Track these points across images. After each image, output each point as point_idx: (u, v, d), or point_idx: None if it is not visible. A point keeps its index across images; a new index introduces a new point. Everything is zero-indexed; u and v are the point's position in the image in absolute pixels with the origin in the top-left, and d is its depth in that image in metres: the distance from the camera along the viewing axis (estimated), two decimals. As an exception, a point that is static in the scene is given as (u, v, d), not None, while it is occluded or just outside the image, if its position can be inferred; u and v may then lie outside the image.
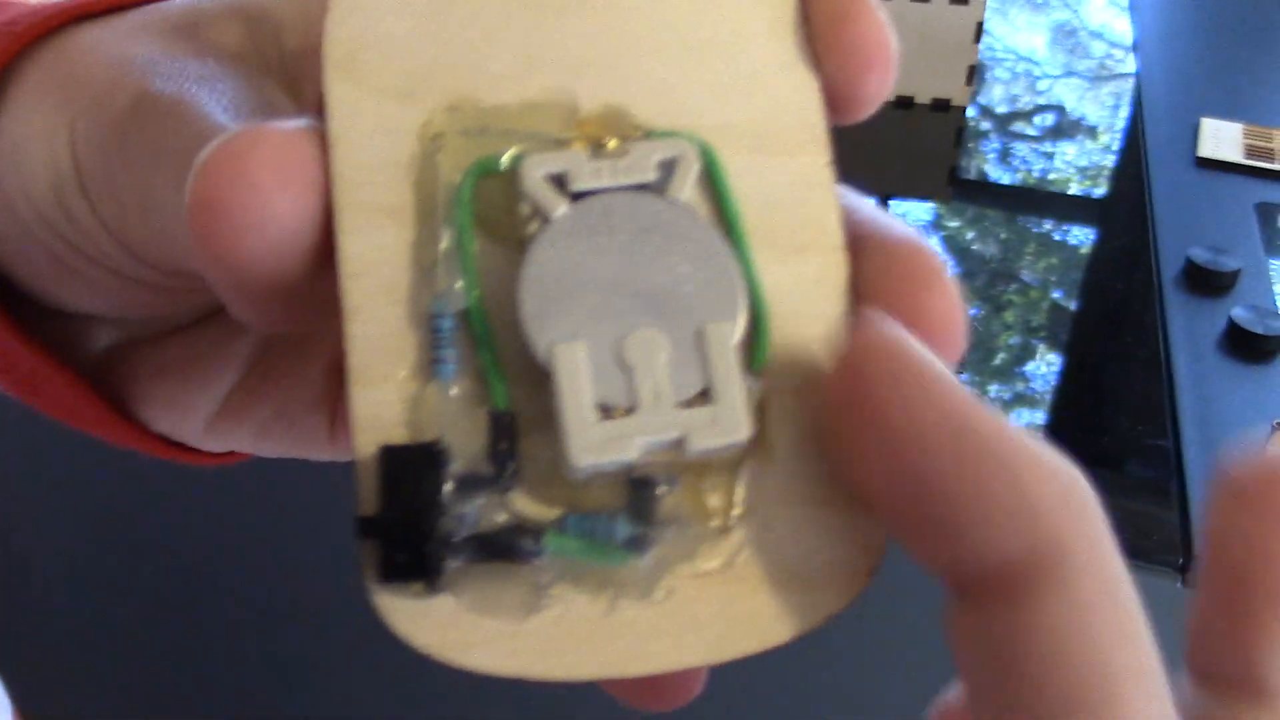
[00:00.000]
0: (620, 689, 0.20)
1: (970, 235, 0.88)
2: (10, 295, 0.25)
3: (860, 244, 0.19)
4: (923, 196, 0.93)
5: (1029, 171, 0.95)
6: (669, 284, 0.18)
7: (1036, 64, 1.09)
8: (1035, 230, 0.89)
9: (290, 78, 0.23)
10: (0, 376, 0.26)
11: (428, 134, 0.18)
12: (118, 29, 0.23)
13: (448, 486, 0.17)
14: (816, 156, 0.19)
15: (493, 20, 0.19)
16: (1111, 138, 1.00)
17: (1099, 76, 1.08)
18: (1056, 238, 0.88)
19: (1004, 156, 0.97)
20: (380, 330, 0.17)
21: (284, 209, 0.17)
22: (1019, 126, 1.01)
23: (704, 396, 0.17)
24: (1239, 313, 0.75)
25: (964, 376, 0.72)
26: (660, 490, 0.17)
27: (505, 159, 0.18)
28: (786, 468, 0.18)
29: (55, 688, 0.97)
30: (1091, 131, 1.01)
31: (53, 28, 0.24)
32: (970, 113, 1.00)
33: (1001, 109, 1.02)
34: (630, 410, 0.17)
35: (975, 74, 0.97)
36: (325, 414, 0.27)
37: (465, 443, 0.17)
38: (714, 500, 0.17)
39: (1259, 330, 0.74)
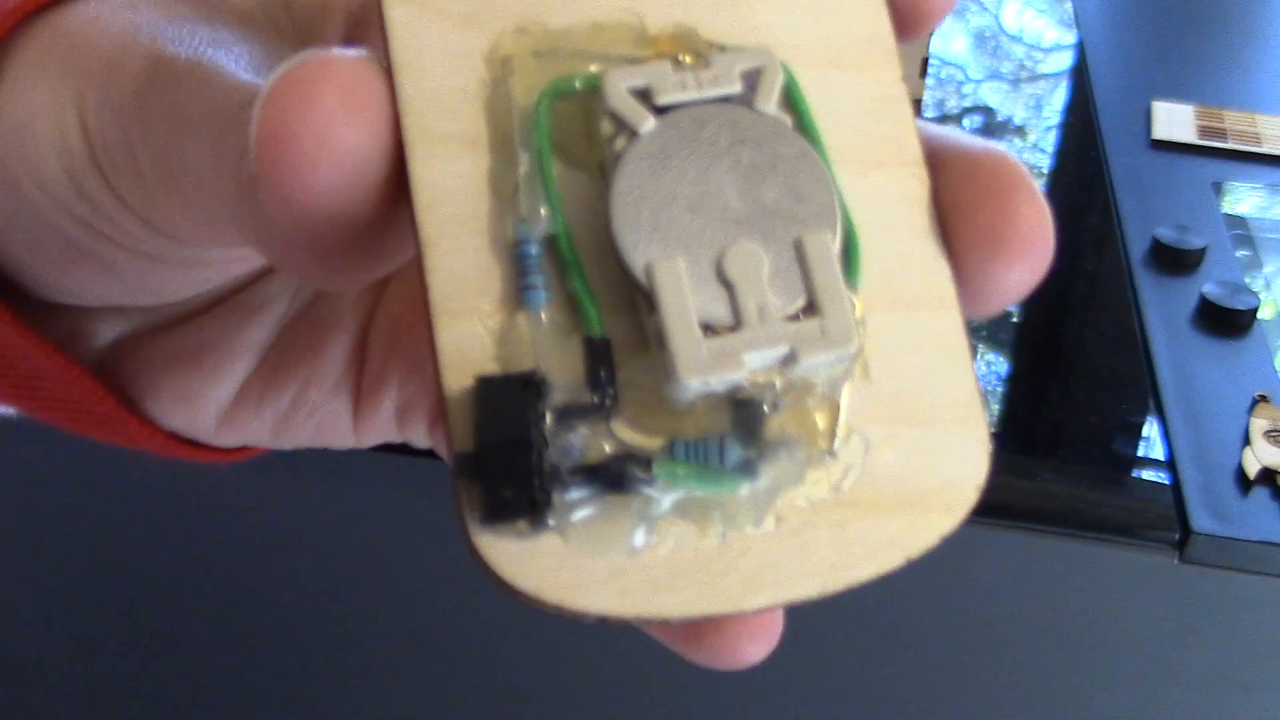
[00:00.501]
0: (702, 641, 0.19)
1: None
2: (6, 290, 0.24)
3: (939, 158, 0.19)
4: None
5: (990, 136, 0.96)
6: (764, 196, 0.17)
7: (960, 68, 1.10)
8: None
9: (302, 36, 0.22)
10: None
11: (496, 57, 0.18)
12: (111, 9, 0.22)
13: (547, 418, 0.16)
14: (890, 72, 0.19)
15: None
16: (1039, 135, 1.01)
17: (1019, 79, 1.09)
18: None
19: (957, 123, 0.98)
20: (461, 262, 0.17)
21: (356, 137, 0.16)
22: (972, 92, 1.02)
23: (809, 310, 0.17)
24: (1210, 289, 0.76)
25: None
26: (767, 409, 0.17)
27: (580, 80, 0.18)
28: (886, 388, 0.17)
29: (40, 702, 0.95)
30: (1020, 131, 1.02)
31: (45, 3, 0.22)
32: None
33: (929, 114, 1.03)
34: (735, 327, 0.17)
35: (920, 108, 0.97)
36: (348, 398, 0.26)
37: (562, 372, 0.17)
38: (820, 422, 0.17)
39: (1231, 305, 0.75)
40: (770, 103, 0.18)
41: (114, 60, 0.21)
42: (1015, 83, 1.07)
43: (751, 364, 0.16)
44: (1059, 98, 1.05)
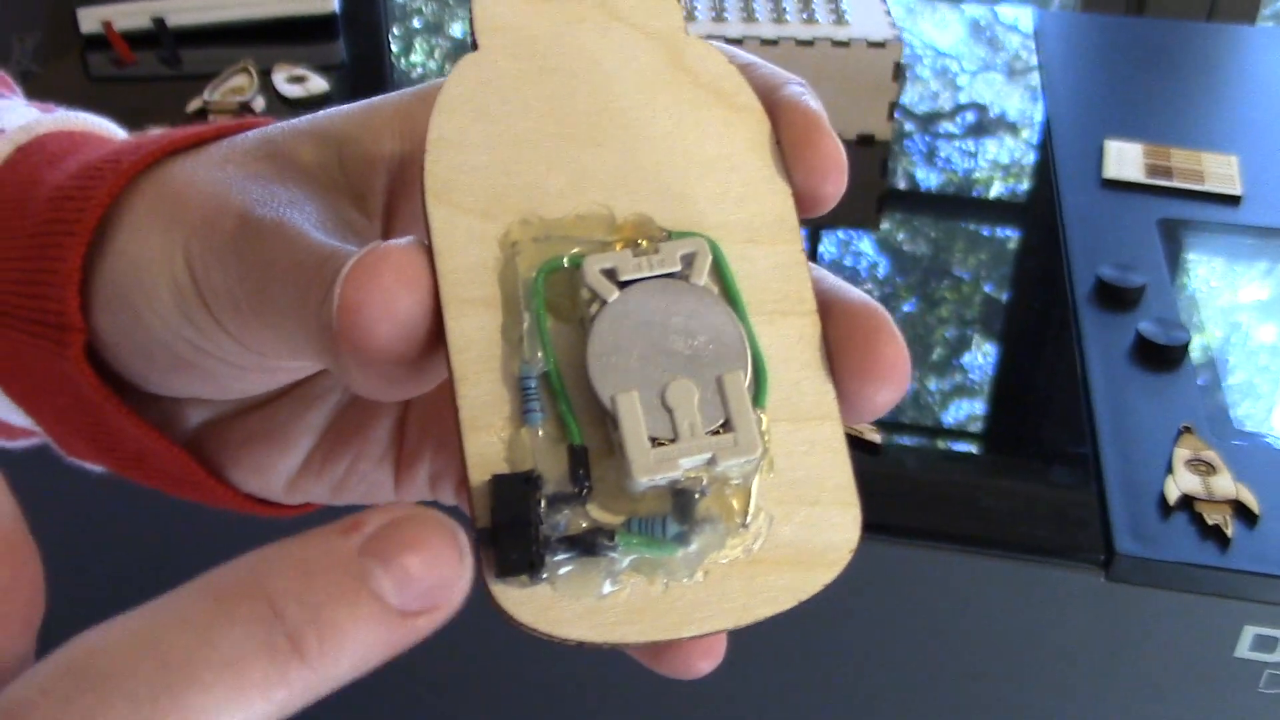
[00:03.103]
0: (656, 657, 0.25)
1: (891, 251, 0.94)
2: (118, 386, 0.30)
3: (828, 307, 0.25)
4: (853, 226, 1.00)
5: (954, 173, 1.02)
6: (695, 346, 0.23)
7: (930, 105, 1.16)
8: (949, 256, 0.95)
9: (356, 192, 0.28)
10: (103, 456, 0.31)
11: (507, 242, 0.24)
12: (208, 160, 0.28)
13: (542, 504, 0.22)
14: (793, 244, 0.25)
15: (547, 153, 0.25)
16: (998, 173, 1.07)
17: (982, 117, 1.15)
18: (976, 256, 0.95)
19: (929, 157, 1.04)
20: (482, 391, 0.23)
21: (406, 304, 0.23)
22: (943, 125, 1.08)
23: (726, 427, 0.23)
24: (1145, 326, 0.82)
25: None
26: (696, 497, 0.23)
27: (567, 259, 0.24)
28: (786, 478, 0.24)
29: None
30: (980, 167, 1.08)
31: (151, 161, 0.29)
32: (891, 131, 1.06)
33: (898, 151, 1.09)
34: (673, 440, 0.23)
35: (895, 110, 1.03)
36: (390, 467, 0.32)
37: (552, 471, 0.23)
38: (736, 504, 0.23)
39: (1164, 341, 0.81)
40: (701, 277, 0.24)
41: (211, 216, 0.27)
42: (978, 121, 1.13)
43: (685, 466, 0.23)
44: (1020, 135, 1.11)
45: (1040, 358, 0.85)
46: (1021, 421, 0.79)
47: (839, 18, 1.03)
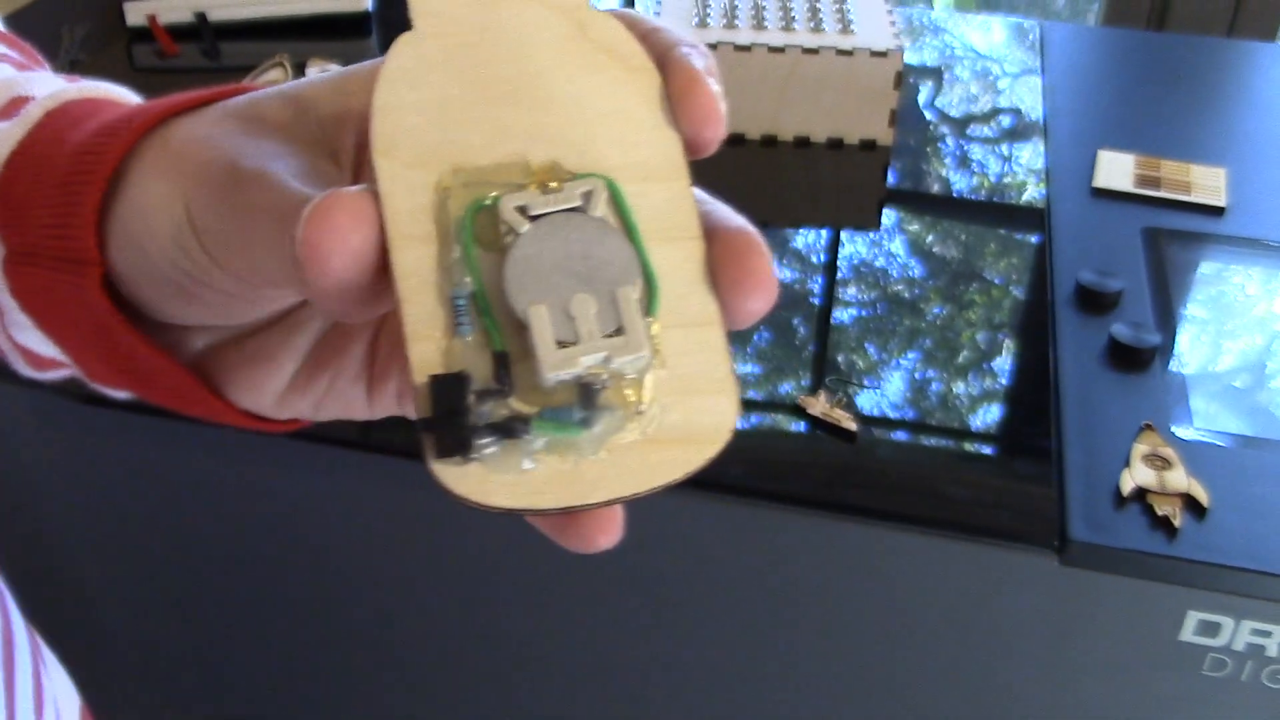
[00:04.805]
0: (565, 530, 0.29)
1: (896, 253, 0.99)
2: (131, 313, 0.35)
3: (711, 230, 0.30)
4: (855, 227, 1.04)
5: (954, 177, 1.06)
6: (593, 265, 0.28)
7: (936, 110, 1.20)
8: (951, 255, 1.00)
9: (328, 144, 0.33)
10: (121, 377, 0.37)
11: (440, 188, 0.29)
12: (205, 119, 0.33)
13: (471, 397, 0.27)
14: (680, 181, 0.30)
15: (472, 114, 0.29)
16: (995, 180, 1.11)
17: (985, 123, 1.19)
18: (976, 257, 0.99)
19: (930, 161, 1.08)
20: (422, 310, 0.28)
21: (356, 240, 0.27)
22: (946, 131, 1.12)
23: (618, 332, 0.28)
24: (1118, 329, 0.87)
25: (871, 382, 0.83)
26: (598, 388, 0.27)
27: (489, 199, 0.29)
28: (675, 373, 0.28)
29: (119, 687, 1.07)
30: (1012, 136, 1.13)
31: (156, 122, 0.34)
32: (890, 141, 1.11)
33: (899, 156, 1.13)
34: (576, 343, 0.27)
35: (896, 117, 1.08)
36: (363, 385, 0.37)
37: (480, 371, 0.27)
38: (632, 395, 0.28)
39: (1134, 344, 0.86)
40: (598, 210, 0.29)
41: (206, 166, 0.32)
42: (981, 127, 1.17)
43: (585, 363, 0.27)
44: (1019, 144, 1.15)
45: (1017, 355, 0.89)
46: (992, 414, 0.84)
47: (845, 27, 1.08)
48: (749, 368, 0.86)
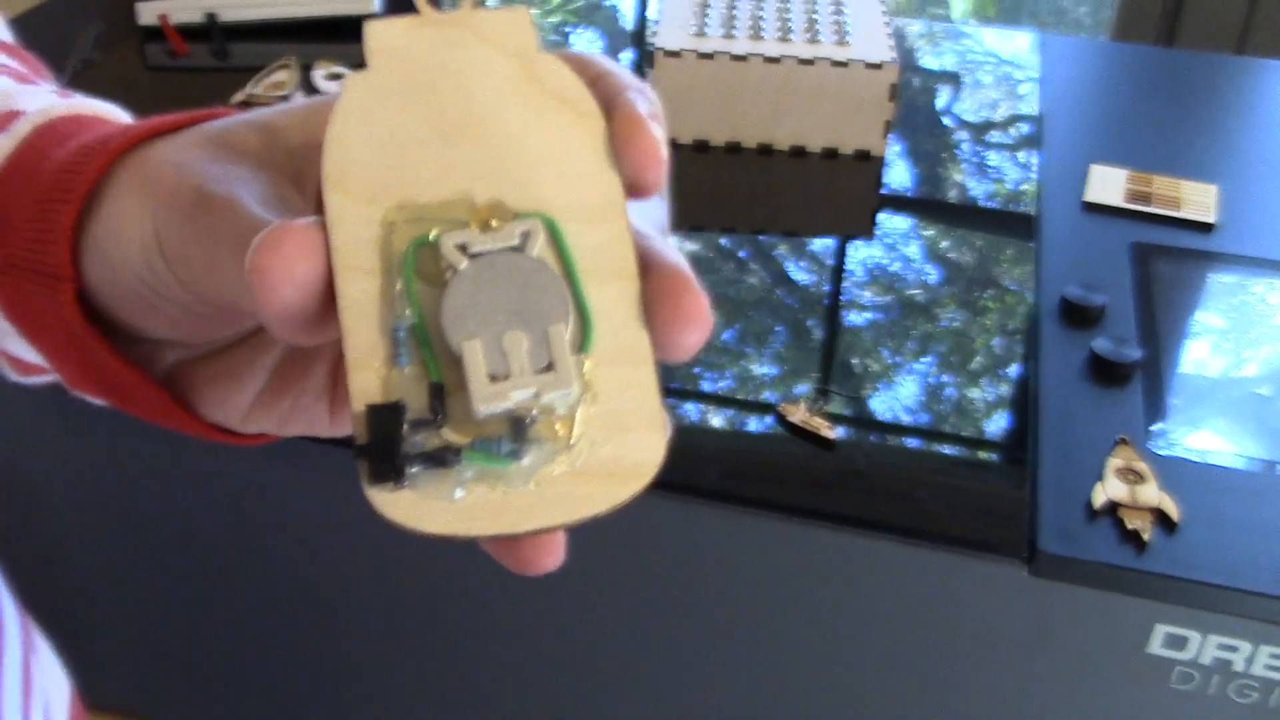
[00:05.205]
0: (508, 553, 0.30)
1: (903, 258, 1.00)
2: (106, 329, 0.36)
3: (647, 267, 0.31)
4: (848, 235, 1.06)
5: (947, 188, 1.08)
6: (527, 303, 0.29)
7: (930, 116, 1.21)
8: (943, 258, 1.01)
9: (295, 172, 0.34)
10: (95, 387, 0.39)
11: (386, 222, 0.30)
12: (178, 143, 0.35)
13: (405, 426, 0.28)
14: (619, 223, 0.31)
15: (421, 151, 0.30)
16: (985, 190, 1.12)
17: (979, 134, 1.20)
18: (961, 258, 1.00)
19: (924, 172, 1.10)
20: (364, 340, 0.29)
21: (303, 269, 0.29)
22: (942, 142, 1.13)
23: (548, 369, 0.29)
24: (1099, 343, 0.88)
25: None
26: (528, 422, 0.29)
27: (432, 235, 0.30)
28: (605, 409, 0.29)
29: (113, 674, 1.09)
30: (1007, 149, 1.13)
31: (133, 144, 0.35)
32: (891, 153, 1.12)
33: (893, 163, 1.15)
34: (507, 377, 0.28)
35: (890, 128, 1.09)
36: (326, 405, 0.38)
37: (415, 401, 0.29)
38: (562, 429, 0.29)
39: (1114, 358, 0.87)
40: (535, 250, 0.30)
41: (175, 189, 0.33)
42: (976, 138, 1.18)
43: (515, 398, 0.28)
44: (1012, 157, 1.16)
45: (998, 366, 0.90)
46: (971, 424, 0.85)
47: (841, 39, 1.09)
48: (731, 372, 0.88)
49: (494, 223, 0.30)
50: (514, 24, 0.32)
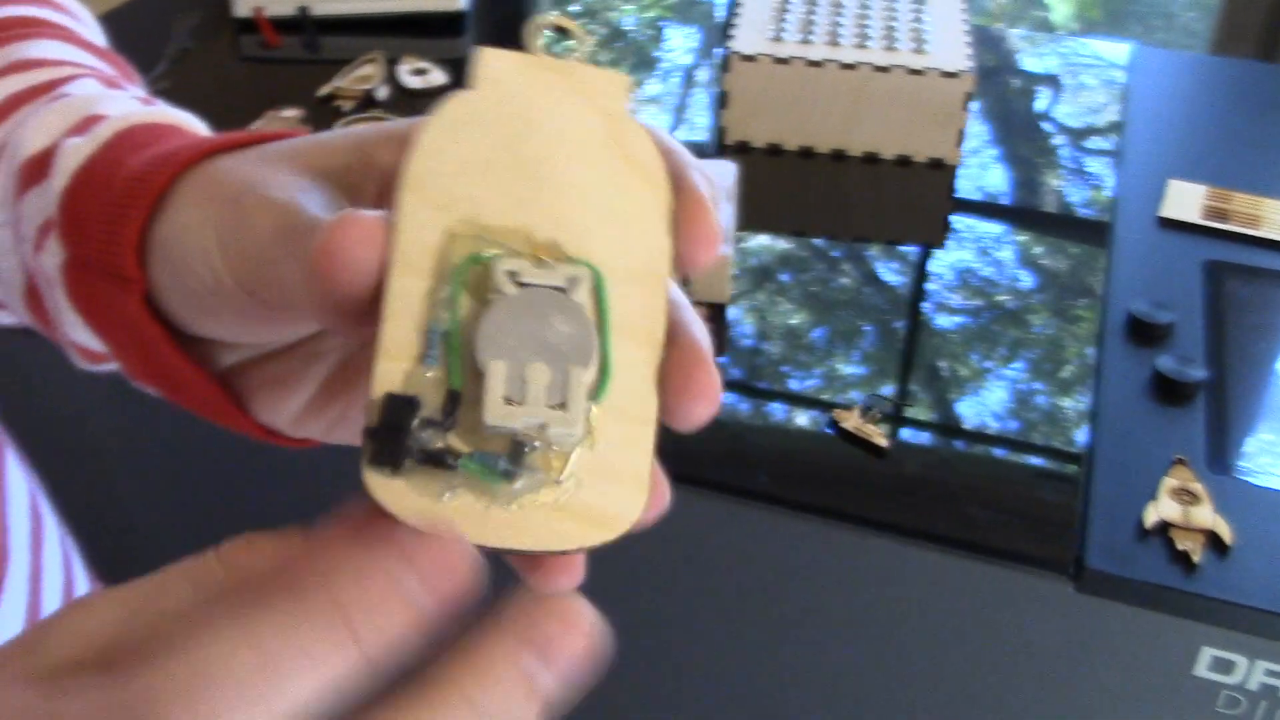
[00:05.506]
0: (536, 571, 0.32)
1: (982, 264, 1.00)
2: (170, 328, 0.39)
3: (673, 337, 0.32)
4: (920, 242, 1.06)
5: (1024, 197, 1.07)
6: (558, 342, 0.31)
7: (1002, 124, 1.20)
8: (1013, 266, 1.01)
9: (354, 190, 0.36)
10: (156, 381, 0.41)
11: (449, 231, 0.31)
12: (245, 158, 0.37)
13: (415, 421, 0.30)
14: (660, 290, 0.32)
15: (498, 178, 0.32)
16: (1062, 202, 1.11)
17: (1059, 142, 1.18)
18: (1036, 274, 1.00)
19: (1002, 179, 1.09)
20: (400, 333, 0.30)
21: (364, 256, 0.30)
22: (1022, 150, 1.13)
23: (561, 405, 0.30)
24: (1163, 362, 0.87)
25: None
26: (528, 449, 0.30)
27: (488, 254, 0.32)
28: (600, 457, 0.31)
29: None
30: (1087, 160, 1.13)
31: (201, 157, 0.38)
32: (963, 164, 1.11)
33: (966, 170, 1.14)
34: (521, 404, 0.30)
35: (964, 138, 1.09)
36: None
37: (432, 401, 0.30)
38: (556, 464, 0.30)
39: (1178, 378, 0.86)
40: (577, 295, 0.31)
41: (235, 196, 0.35)
42: (1056, 148, 1.17)
43: (524, 423, 0.30)
44: (1092, 167, 1.15)
45: (1060, 379, 0.90)
46: (1027, 436, 0.84)
47: (918, 46, 1.09)
48: (794, 372, 0.89)
49: (547, 260, 0.32)
50: (612, 85, 0.34)
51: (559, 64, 0.34)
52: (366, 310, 0.31)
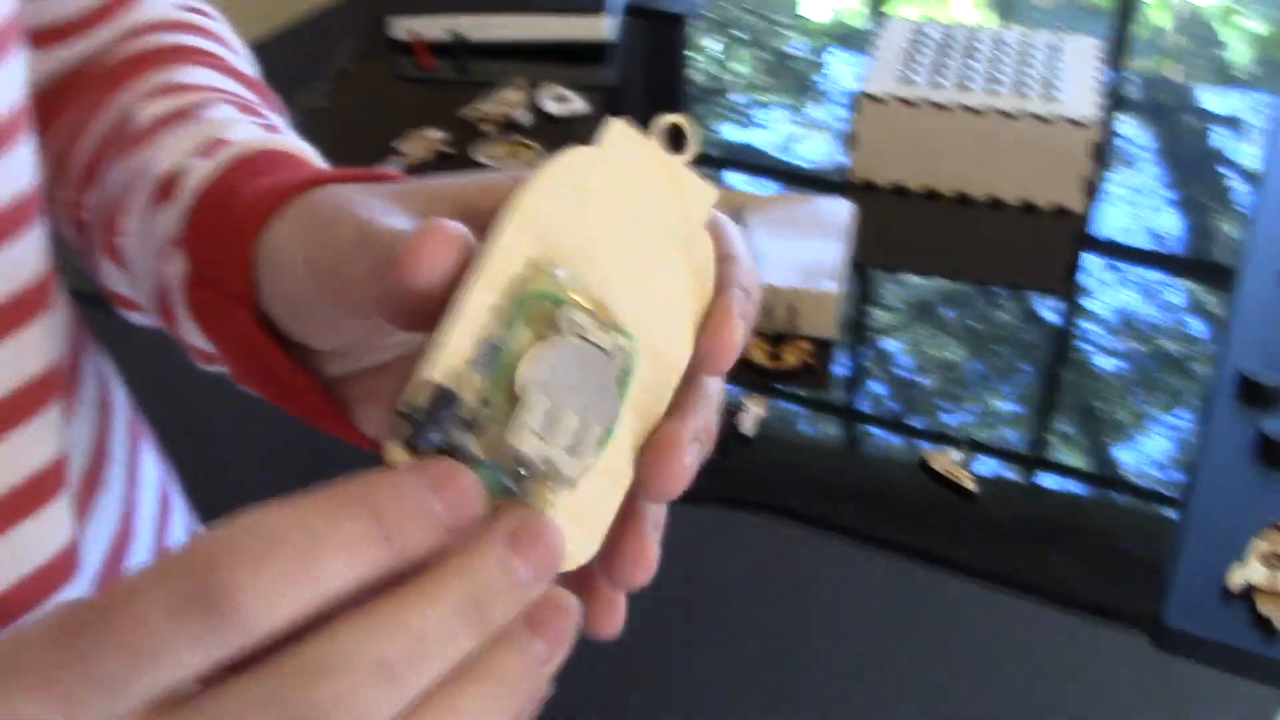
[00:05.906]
0: (607, 562, 0.36)
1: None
2: (280, 336, 0.43)
3: (667, 416, 0.36)
4: (1044, 290, 1.06)
5: (1151, 246, 1.07)
6: (591, 396, 0.34)
7: (1141, 172, 1.18)
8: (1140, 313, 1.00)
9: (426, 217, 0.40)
10: (263, 384, 0.45)
11: (532, 264, 0.35)
12: (348, 190, 0.41)
13: (448, 415, 0.33)
14: (674, 378, 0.36)
15: (588, 233, 0.36)
16: (1236, 219, 1.09)
17: (1193, 198, 1.17)
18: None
19: (1129, 229, 1.09)
20: (461, 336, 0.33)
21: (443, 260, 0.34)
22: (1151, 203, 1.12)
23: (571, 450, 0.34)
24: (1271, 425, 0.86)
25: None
26: (529, 476, 0.33)
27: (561, 297, 0.35)
28: (577, 501, 0.34)
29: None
30: (1219, 213, 1.11)
31: (306, 189, 0.42)
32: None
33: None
34: (545, 439, 0.33)
35: (1091, 186, 1.09)
36: None
37: (470, 404, 0.33)
38: (548, 496, 0.34)
39: (1282, 441, 0.85)
40: (615, 361, 0.35)
41: (332, 222, 0.39)
42: (1188, 199, 1.16)
43: (540, 455, 0.33)
44: (1224, 222, 1.13)
45: (1162, 433, 0.90)
46: (1118, 488, 0.85)
47: (1048, 92, 1.09)
48: (894, 409, 0.90)
49: (606, 323, 0.35)
50: (702, 193, 0.38)
51: (667, 159, 0.37)
52: (428, 310, 0.34)
